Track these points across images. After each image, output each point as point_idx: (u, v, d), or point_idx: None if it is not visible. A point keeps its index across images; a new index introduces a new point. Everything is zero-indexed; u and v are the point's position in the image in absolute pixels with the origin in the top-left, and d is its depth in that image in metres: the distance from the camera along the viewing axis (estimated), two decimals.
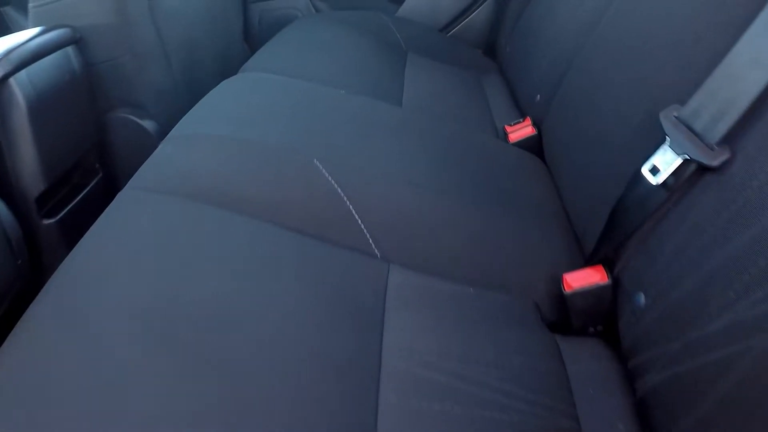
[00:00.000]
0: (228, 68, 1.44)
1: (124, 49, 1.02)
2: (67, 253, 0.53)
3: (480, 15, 1.55)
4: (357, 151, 0.74)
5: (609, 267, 0.64)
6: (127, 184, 0.63)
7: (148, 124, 1.10)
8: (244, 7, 1.62)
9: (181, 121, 0.77)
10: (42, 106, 0.92)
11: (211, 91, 0.85)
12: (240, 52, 1.54)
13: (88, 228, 0.60)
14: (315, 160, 0.67)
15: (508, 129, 1.01)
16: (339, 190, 0.64)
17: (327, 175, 0.65)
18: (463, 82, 1.26)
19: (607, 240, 0.65)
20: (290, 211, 0.62)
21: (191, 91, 1.23)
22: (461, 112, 1.08)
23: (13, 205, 0.93)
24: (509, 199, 0.78)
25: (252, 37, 1.67)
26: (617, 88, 0.72)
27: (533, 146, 0.96)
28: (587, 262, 0.69)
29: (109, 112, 1.09)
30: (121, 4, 0.98)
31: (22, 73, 0.90)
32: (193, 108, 0.81)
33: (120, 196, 0.62)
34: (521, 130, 0.98)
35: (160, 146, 0.71)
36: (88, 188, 1.10)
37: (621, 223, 0.63)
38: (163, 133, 1.14)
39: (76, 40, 1.02)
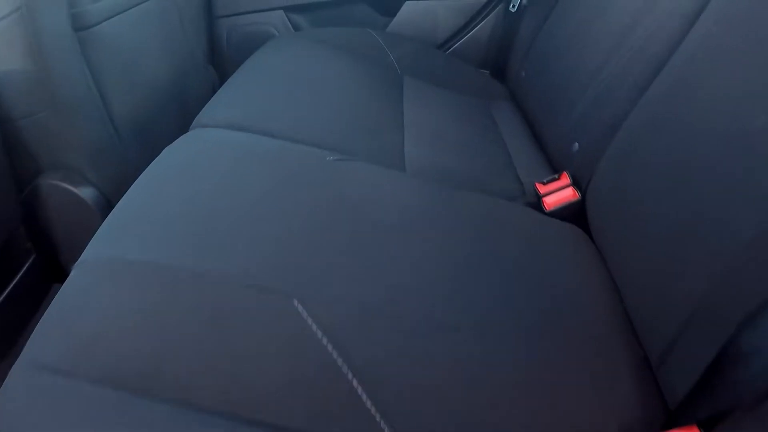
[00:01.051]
0: (188, 103, 1.20)
1: (44, 100, 0.79)
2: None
3: (484, 29, 1.34)
4: (356, 275, 0.53)
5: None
6: (15, 364, 0.41)
7: (84, 192, 0.87)
8: (209, 24, 1.39)
9: (98, 232, 0.55)
10: None
11: (143, 174, 0.63)
12: (203, 80, 1.31)
13: (25, 318, 0.41)
14: (295, 302, 0.46)
15: (541, 189, 0.80)
16: (335, 355, 0.43)
17: (315, 328, 0.44)
18: (473, 116, 1.05)
19: (708, 392, 0.46)
20: (260, 397, 0.41)
21: (142, 141, 1.00)
22: (477, 164, 0.88)
23: None
24: (560, 324, 0.58)
25: (221, 58, 1.44)
26: (720, 145, 0.53)
27: (575, 214, 0.77)
28: (673, 419, 0.50)
29: (37, 178, 0.87)
30: (37, 44, 0.75)
31: None
32: (117, 207, 0.58)
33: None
34: (559, 193, 0.78)
35: (68, 279, 0.49)
36: (20, 274, 0.89)
37: (733, 372, 0.44)
38: (105, 203, 0.92)
39: None
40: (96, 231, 0.59)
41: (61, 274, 0.98)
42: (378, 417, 0.41)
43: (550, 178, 0.81)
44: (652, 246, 0.58)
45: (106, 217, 0.62)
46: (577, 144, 0.82)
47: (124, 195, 0.59)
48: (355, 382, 0.42)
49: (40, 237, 0.90)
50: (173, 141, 0.80)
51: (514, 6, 1.21)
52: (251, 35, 1.41)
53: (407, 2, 1.32)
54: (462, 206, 0.71)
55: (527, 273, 0.63)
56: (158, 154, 0.73)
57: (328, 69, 1.04)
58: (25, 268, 0.90)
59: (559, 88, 0.94)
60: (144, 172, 0.63)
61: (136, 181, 0.61)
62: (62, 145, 0.84)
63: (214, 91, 1.13)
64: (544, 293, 0.61)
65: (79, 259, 0.53)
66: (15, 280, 0.88)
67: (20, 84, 0.77)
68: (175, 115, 1.15)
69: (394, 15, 1.35)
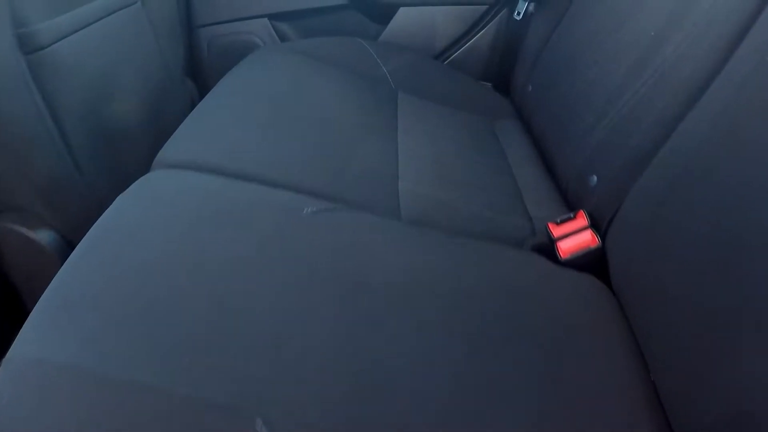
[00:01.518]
0: (164, 123, 1.09)
1: None
2: None
3: (485, 38, 1.23)
4: (341, 383, 0.42)
5: None
6: None
7: (41, 236, 0.77)
8: (187, 35, 1.28)
9: (29, 319, 0.44)
10: None
11: (85, 238, 0.52)
12: (180, 96, 1.20)
13: None
14: (259, 423, 0.36)
15: (554, 230, 0.70)
16: None
17: None
18: (476, 139, 0.94)
19: None
20: None
21: (109, 173, 0.89)
22: (482, 200, 0.77)
23: None
24: (583, 410, 0.47)
25: (201, 71, 1.33)
26: None
27: (593, 262, 0.66)
28: None
29: None
30: None
31: None
32: (53, 284, 0.47)
33: None
34: (576, 238, 0.67)
35: None
36: None
37: None
38: (65, 246, 0.81)
39: None
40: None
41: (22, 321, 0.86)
42: None
43: (565, 217, 0.70)
44: (687, 324, 0.48)
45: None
46: (595, 177, 0.72)
47: (60, 270, 0.49)
48: None
49: None
50: (144, 169, 0.70)
51: (519, 13, 1.10)
52: (234, 45, 1.30)
53: (402, 8, 1.21)
54: (465, 263, 0.60)
55: (544, 344, 0.52)
56: (127, 186, 0.63)
57: (314, 89, 0.93)
58: None
59: (572, 109, 0.83)
60: (86, 235, 0.52)
61: (75, 250, 0.51)
62: (13, 183, 0.74)
63: (193, 106, 1.03)
64: (563, 369, 0.50)
65: (6, 356, 0.43)
66: None
67: None
68: (148, 139, 1.03)
69: (388, 22, 1.24)
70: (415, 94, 1.03)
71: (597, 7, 0.89)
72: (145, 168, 0.87)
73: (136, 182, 0.63)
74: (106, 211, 0.56)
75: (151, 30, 1.05)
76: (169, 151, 0.72)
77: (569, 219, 0.70)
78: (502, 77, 1.20)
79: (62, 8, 0.77)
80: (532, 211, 0.78)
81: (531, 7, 1.09)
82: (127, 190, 0.61)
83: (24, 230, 0.77)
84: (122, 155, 0.95)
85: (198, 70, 1.34)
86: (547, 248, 0.69)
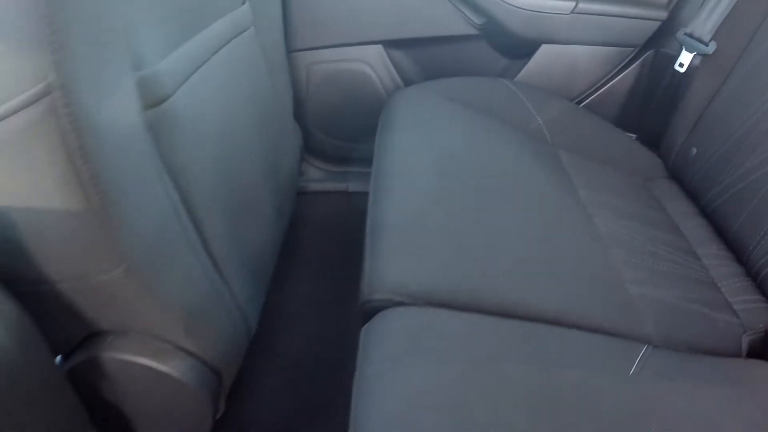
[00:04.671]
0: (279, 182, 0.96)
1: (111, 258, 0.47)
2: None
3: (625, 81, 1.17)
4: None
5: None
6: None
7: (176, 367, 0.59)
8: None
9: None
10: None
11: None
12: (293, 140, 1.09)
13: None
14: None
15: None
16: None
17: None
18: (648, 211, 0.90)
19: None
20: None
21: (248, 271, 0.76)
22: (694, 297, 0.74)
23: None
24: None
25: (299, 101, 1.22)
26: None
27: None
28: None
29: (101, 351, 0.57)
30: (82, 151, 0.42)
31: None
32: None
33: None
34: None
35: None
36: None
37: None
38: (205, 373, 0.64)
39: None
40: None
41: None
42: None
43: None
44: None
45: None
46: None
47: None
48: None
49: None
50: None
51: (682, 65, 1.04)
52: (338, 74, 1.19)
53: (544, 45, 1.14)
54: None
55: None
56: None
57: (487, 150, 0.88)
58: None
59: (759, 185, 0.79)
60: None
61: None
62: (137, 306, 0.54)
63: (301, 150, 0.91)
64: None
65: None
66: None
67: (60, 227, 0.45)
68: (272, 205, 0.90)
69: (522, 58, 1.17)
70: (576, 153, 0.98)
71: None
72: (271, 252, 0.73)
73: (374, 319, 0.57)
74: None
75: (264, 60, 0.92)
76: (380, 277, 0.63)
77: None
78: (645, 127, 1.15)
79: (176, 38, 0.60)
80: (734, 304, 0.75)
81: (696, 60, 1.03)
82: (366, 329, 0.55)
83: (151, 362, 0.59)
84: (251, 233, 0.79)
85: (296, 101, 1.21)
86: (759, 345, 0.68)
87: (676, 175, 1.03)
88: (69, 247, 0.47)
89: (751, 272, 0.81)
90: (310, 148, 1.30)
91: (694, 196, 0.98)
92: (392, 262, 0.64)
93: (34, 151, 0.41)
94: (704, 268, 0.82)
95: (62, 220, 0.45)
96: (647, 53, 1.15)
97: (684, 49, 1.04)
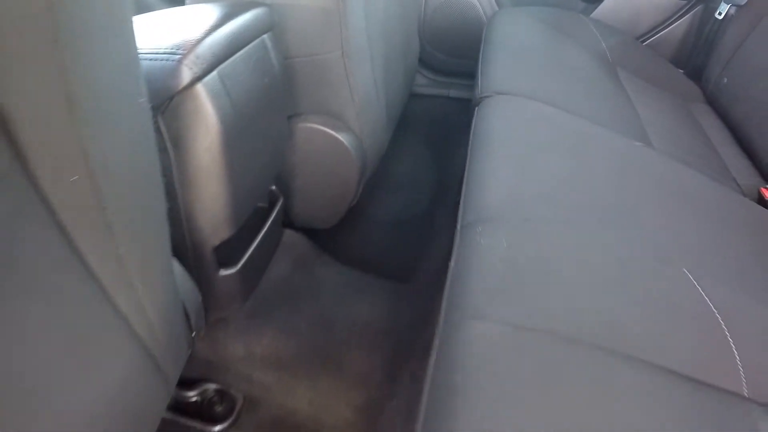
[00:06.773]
0: (408, 67, 1.34)
1: (335, 41, 0.77)
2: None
3: (680, 28, 1.44)
4: (709, 244, 0.69)
5: None
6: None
7: (346, 139, 0.89)
8: None
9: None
10: (238, 124, 0.64)
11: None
12: (417, 47, 1.45)
13: (266, 259, 0.43)
14: (684, 270, 0.63)
15: (767, 193, 0.96)
16: (716, 313, 0.60)
17: (700, 290, 0.62)
18: (684, 118, 1.19)
19: None
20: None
21: (387, 99, 1.11)
22: (702, 166, 1.03)
23: (184, 257, 0.69)
24: None
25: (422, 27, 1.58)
26: None
27: None
28: None
29: (297, 121, 0.89)
30: None
31: (214, 74, 0.59)
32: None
33: None
34: None
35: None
36: (270, 219, 0.88)
37: None
38: (362, 152, 0.97)
39: (271, 26, 0.74)
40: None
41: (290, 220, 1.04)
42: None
43: None
44: None
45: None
46: None
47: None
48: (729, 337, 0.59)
49: (291, 180, 0.97)
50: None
51: (720, 14, 1.31)
52: (449, 4, 1.54)
53: None
54: (725, 205, 0.87)
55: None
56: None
57: (561, 49, 1.18)
58: (273, 215, 0.89)
59: None
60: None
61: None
62: (336, 90, 0.84)
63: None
64: None
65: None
66: (263, 230, 0.86)
67: (312, 20, 0.78)
68: (401, 76, 1.27)
69: (598, 1, 1.46)
70: (629, 72, 1.27)
71: None
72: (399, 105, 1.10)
73: (484, 102, 0.90)
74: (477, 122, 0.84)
75: None
76: (492, 83, 0.97)
77: None
78: (693, 65, 1.42)
79: None
80: (739, 179, 1.03)
81: (732, 10, 1.30)
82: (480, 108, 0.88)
83: (333, 132, 0.90)
84: (393, 92, 1.17)
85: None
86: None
87: (711, 101, 1.31)
88: (310, 32, 0.80)
89: (760, 162, 1.09)
90: (422, 60, 1.66)
91: (722, 115, 1.26)
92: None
93: None
94: (718, 157, 1.10)
95: (307, 12, 0.78)
96: (698, 6, 1.42)
97: (723, 2, 1.31)
